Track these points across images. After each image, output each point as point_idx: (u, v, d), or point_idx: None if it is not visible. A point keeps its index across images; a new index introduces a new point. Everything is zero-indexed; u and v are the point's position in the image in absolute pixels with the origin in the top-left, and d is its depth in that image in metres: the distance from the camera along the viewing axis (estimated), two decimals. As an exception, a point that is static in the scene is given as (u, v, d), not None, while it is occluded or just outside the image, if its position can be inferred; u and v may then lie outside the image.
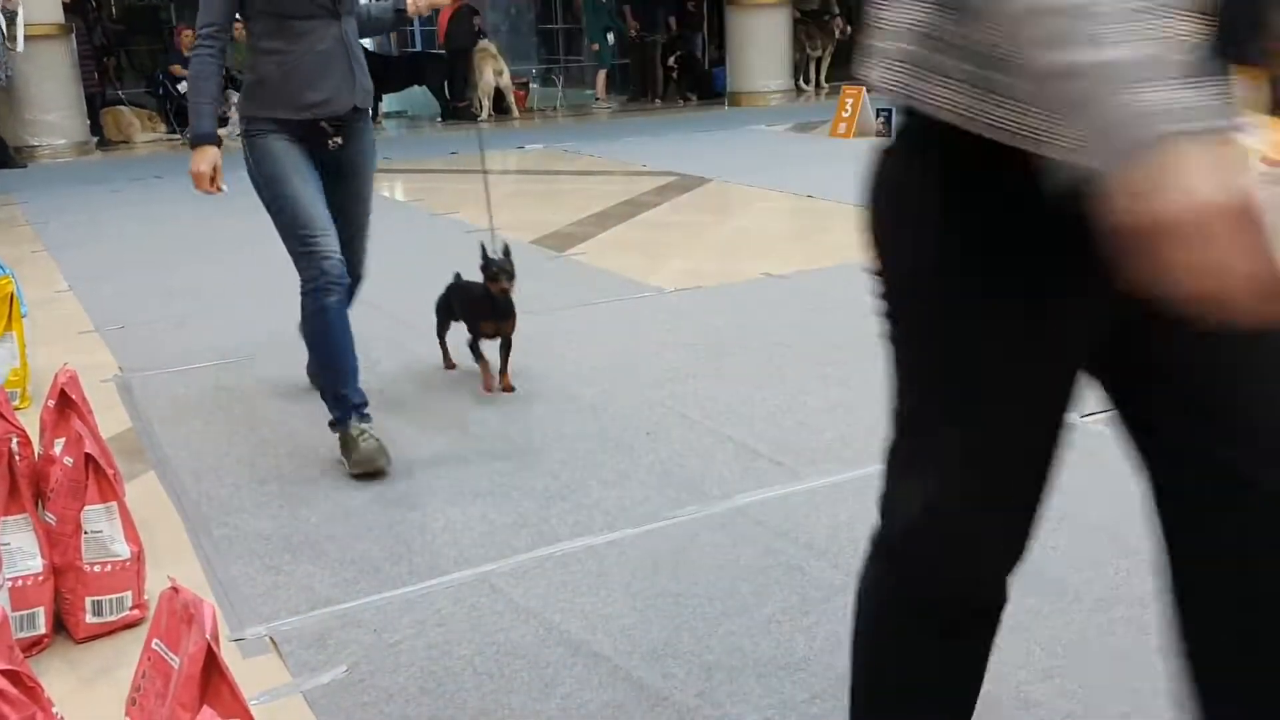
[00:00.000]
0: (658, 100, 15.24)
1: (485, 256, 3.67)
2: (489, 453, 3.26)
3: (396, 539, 2.74)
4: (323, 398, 3.21)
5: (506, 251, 3.68)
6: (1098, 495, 2.77)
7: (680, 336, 4.32)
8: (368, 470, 3.06)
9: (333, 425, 3.18)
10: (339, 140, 3.21)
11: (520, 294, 3.73)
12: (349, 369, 3.18)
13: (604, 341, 4.33)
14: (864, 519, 2.73)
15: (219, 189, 3.12)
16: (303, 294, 3.13)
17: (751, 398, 3.63)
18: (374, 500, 2.97)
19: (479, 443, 3.36)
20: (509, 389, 3.75)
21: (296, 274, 3.14)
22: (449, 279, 3.96)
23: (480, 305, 3.73)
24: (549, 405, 3.63)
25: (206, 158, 3.08)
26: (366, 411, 3.17)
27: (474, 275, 3.76)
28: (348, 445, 3.12)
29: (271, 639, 2.32)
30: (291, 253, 3.14)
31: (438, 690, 2.12)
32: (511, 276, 3.65)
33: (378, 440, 3.11)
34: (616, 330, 4.50)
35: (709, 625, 2.30)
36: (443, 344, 4.01)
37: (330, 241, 3.09)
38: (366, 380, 3.30)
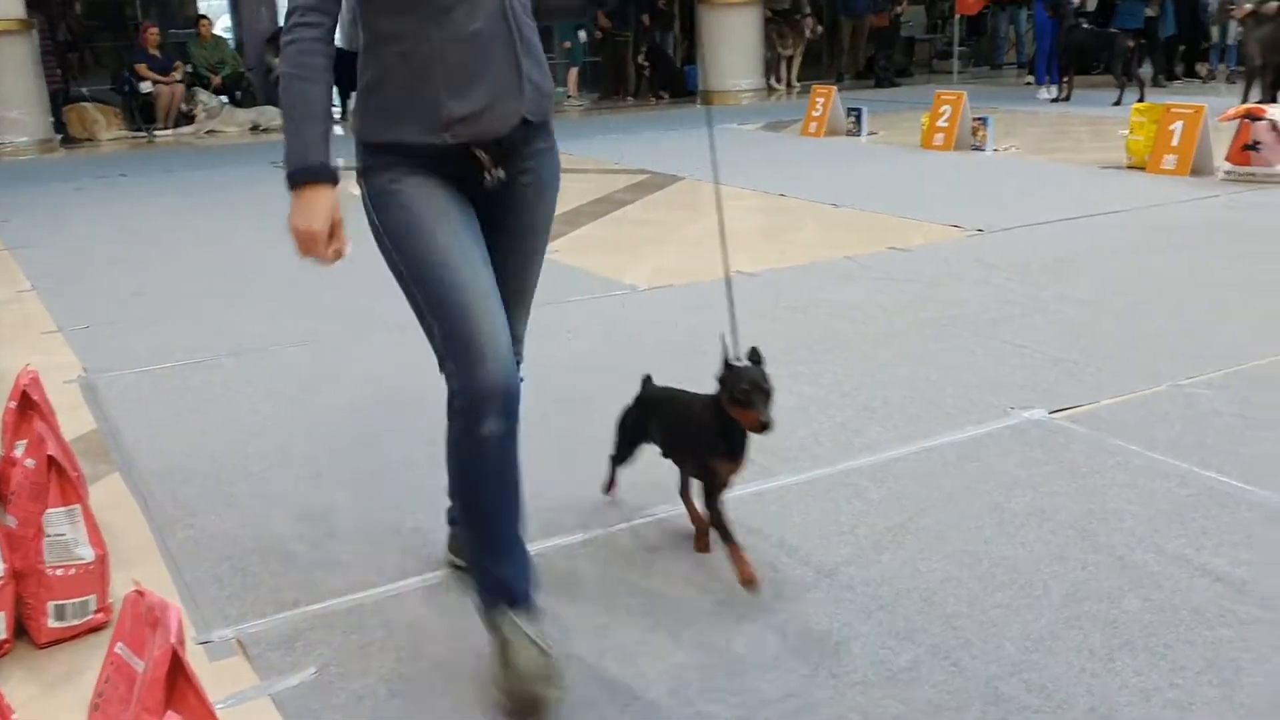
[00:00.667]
0: (630, 98, 15.24)
1: (727, 365, 2.34)
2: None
3: (366, 540, 2.72)
4: (462, 550, 2.41)
5: (756, 357, 2.35)
6: (1065, 492, 2.80)
7: (653, 334, 4.32)
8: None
9: (480, 603, 2.11)
10: (501, 173, 2.11)
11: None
12: (507, 529, 2.09)
13: (577, 339, 4.32)
14: (836, 516, 2.75)
15: (339, 255, 2.01)
16: (449, 408, 2.05)
17: (723, 396, 3.62)
18: (343, 502, 2.94)
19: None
20: (750, 580, 2.32)
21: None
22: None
23: (709, 435, 2.37)
24: (521, 404, 3.58)
25: (318, 207, 1.95)
26: (531, 582, 2.11)
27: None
28: (502, 651, 2.03)
29: (239, 641, 2.29)
30: (433, 343, 2.08)
31: (408, 692, 2.10)
32: (769, 398, 2.28)
33: (544, 647, 2.02)
34: (590, 328, 4.48)
35: (681, 623, 2.29)
36: (613, 470, 2.82)
37: (496, 331, 2.02)
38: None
